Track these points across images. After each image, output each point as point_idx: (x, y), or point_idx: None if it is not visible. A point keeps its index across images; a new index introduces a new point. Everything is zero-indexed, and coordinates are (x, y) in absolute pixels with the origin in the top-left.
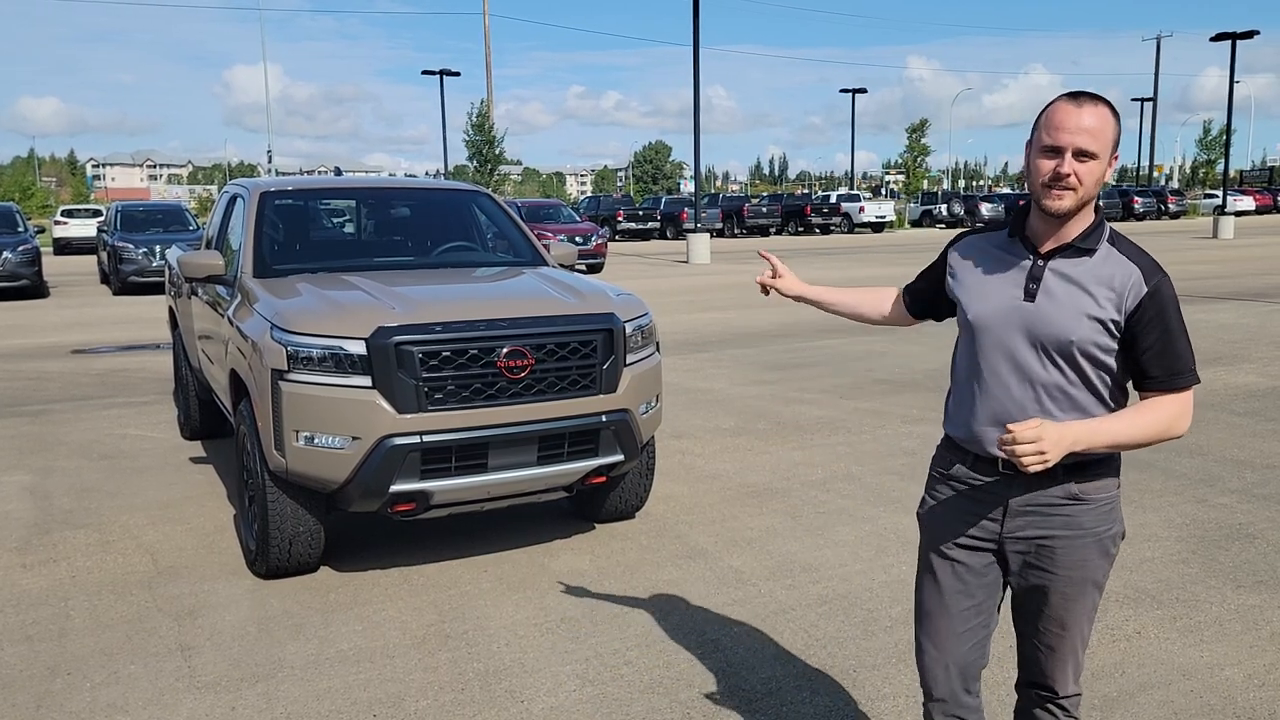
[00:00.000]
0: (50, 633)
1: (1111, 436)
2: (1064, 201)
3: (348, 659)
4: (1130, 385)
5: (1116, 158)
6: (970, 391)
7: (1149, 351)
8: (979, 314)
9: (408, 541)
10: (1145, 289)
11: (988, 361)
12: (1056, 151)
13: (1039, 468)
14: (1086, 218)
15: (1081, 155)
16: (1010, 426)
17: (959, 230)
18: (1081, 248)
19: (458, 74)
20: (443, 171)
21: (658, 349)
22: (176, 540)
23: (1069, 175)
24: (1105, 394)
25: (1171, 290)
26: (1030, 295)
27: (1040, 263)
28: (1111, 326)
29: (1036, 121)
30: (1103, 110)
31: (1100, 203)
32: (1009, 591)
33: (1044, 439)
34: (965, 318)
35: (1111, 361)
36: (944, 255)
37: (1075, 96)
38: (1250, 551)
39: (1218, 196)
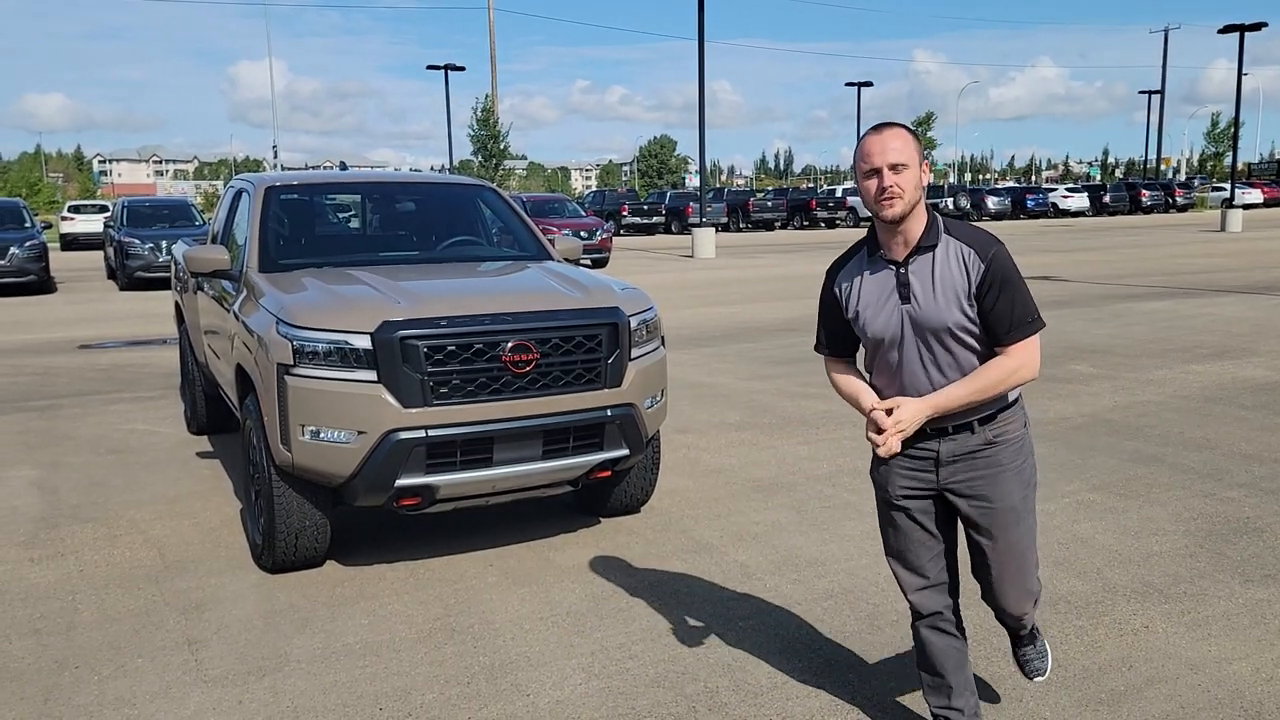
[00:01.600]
0: (58, 626)
1: (960, 399)
2: (895, 208)
3: (354, 652)
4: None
5: (927, 165)
6: (888, 379)
7: (995, 312)
8: (878, 328)
9: (413, 536)
10: (983, 262)
11: (894, 355)
12: (875, 172)
13: (897, 440)
14: (921, 219)
15: (895, 167)
16: (875, 416)
17: (829, 265)
18: (926, 246)
19: (463, 69)
20: (448, 167)
21: (663, 343)
22: (183, 534)
23: (891, 185)
24: (985, 353)
25: (1007, 256)
26: (905, 298)
27: (902, 270)
28: (971, 300)
29: (855, 155)
30: (901, 131)
31: (929, 202)
32: (960, 530)
33: (901, 420)
34: (867, 334)
35: (979, 329)
36: (830, 291)
37: (877, 128)
38: (1258, 545)
39: (1225, 189)
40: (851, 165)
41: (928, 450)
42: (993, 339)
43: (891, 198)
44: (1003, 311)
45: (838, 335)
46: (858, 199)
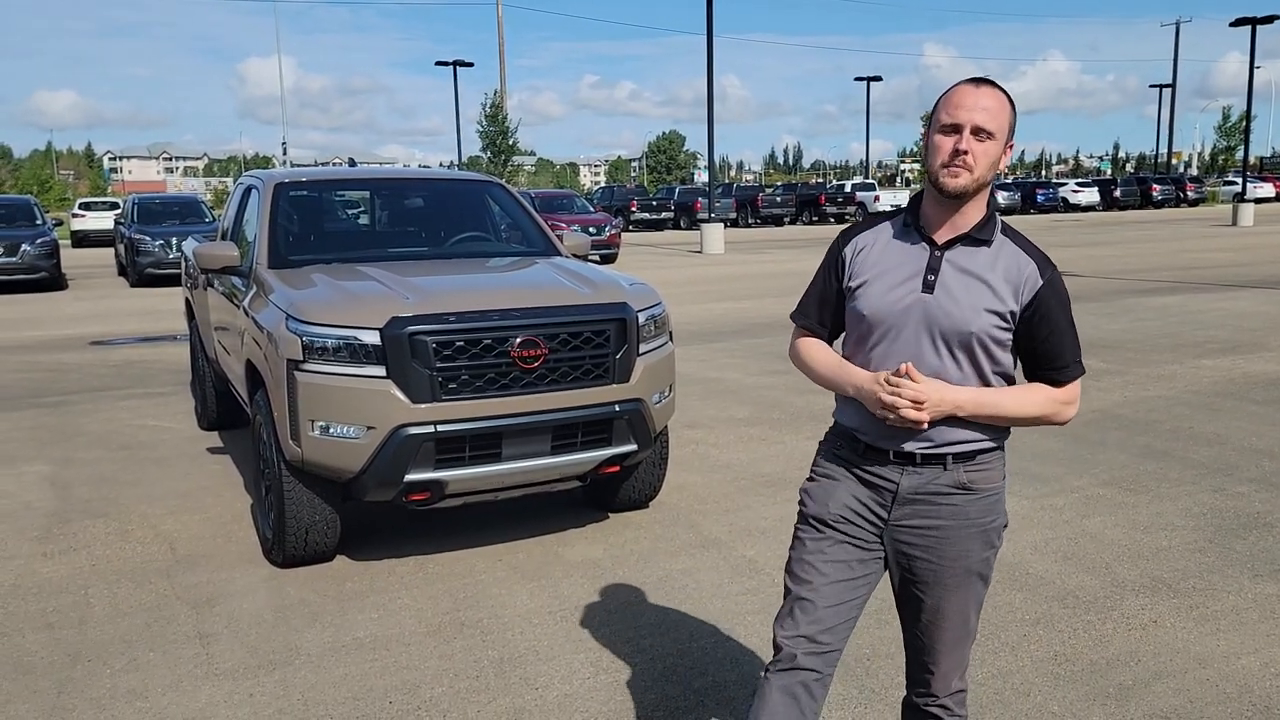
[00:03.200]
0: (71, 620)
1: (996, 406)
2: (959, 179)
3: (364, 646)
4: (1020, 374)
5: (1011, 146)
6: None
7: (1041, 342)
8: (877, 308)
9: (422, 530)
10: (1040, 281)
11: (884, 352)
12: (955, 129)
13: (914, 417)
14: (980, 207)
15: (979, 133)
16: (887, 378)
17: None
18: (978, 239)
19: (471, 65)
20: (456, 163)
21: (671, 339)
22: (194, 529)
23: (967, 152)
24: (994, 383)
25: (1063, 284)
26: (929, 287)
27: (938, 253)
28: (1008, 318)
29: (936, 104)
30: (1001, 95)
31: (997, 198)
32: (891, 585)
33: (926, 395)
34: (860, 310)
35: (1004, 353)
36: (836, 251)
37: (975, 80)
38: (1268, 540)
39: (1237, 183)
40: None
41: (886, 480)
42: (1040, 371)
43: (963, 167)
44: (1057, 344)
45: (823, 303)
46: (866, 195)
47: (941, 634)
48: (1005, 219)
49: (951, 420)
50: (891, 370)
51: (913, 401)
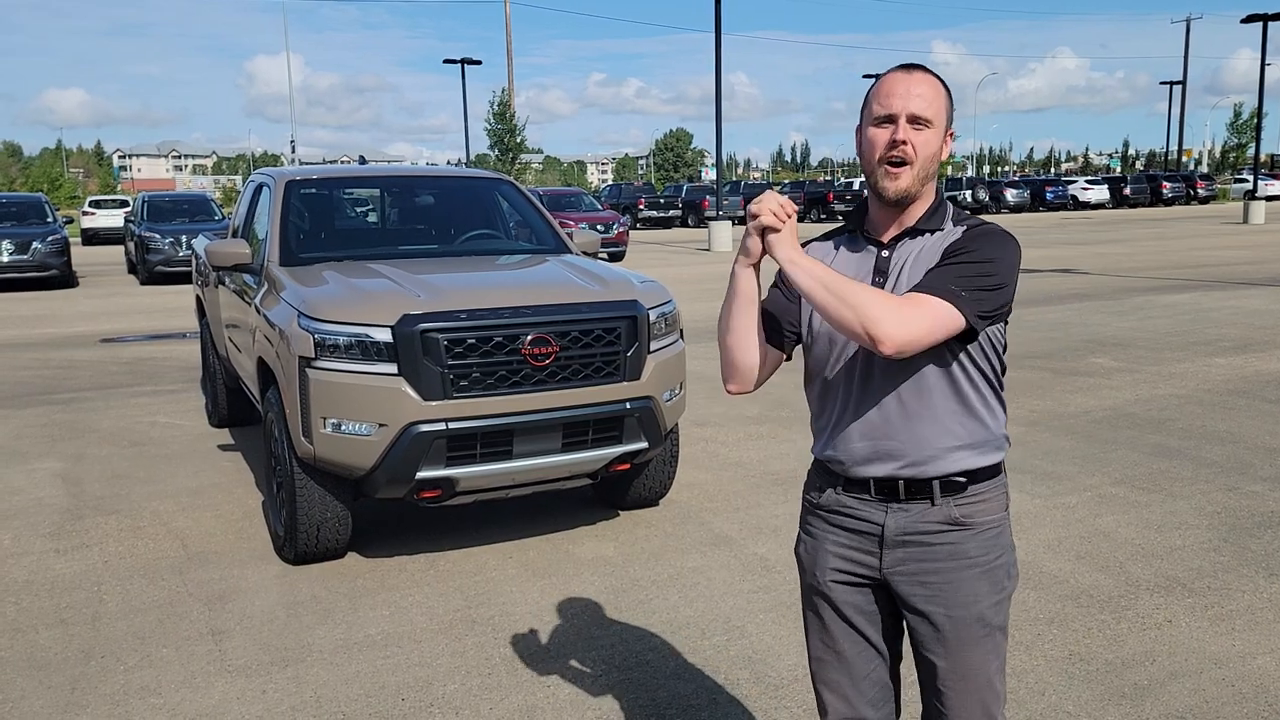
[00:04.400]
0: (84, 617)
1: (813, 274)
2: (901, 180)
3: (376, 643)
4: (1004, 376)
5: (952, 135)
6: (832, 407)
7: (935, 268)
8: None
9: (433, 528)
10: (958, 232)
11: (845, 370)
12: (889, 120)
13: (763, 218)
14: (927, 199)
15: (916, 122)
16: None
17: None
18: (923, 229)
19: (479, 63)
20: (464, 160)
21: (681, 336)
22: (206, 526)
23: (904, 143)
24: (984, 385)
25: (998, 237)
26: (877, 288)
27: (884, 253)
28: None
29: (866, 98)
30: (935, 80)
31: (947, 195)
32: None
33: (785, 227)
34: (812, 327)
35: (974, 345)
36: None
37: (906, 67)
38: None
39: (1248, 181)
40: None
41: (869, 524)
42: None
43: (901, 162)
44: (940, 269)
45: (772, 319)
46: None
47: (964, 700)
48: (1012, 216)
49: (917, 422)
50: (839, 418)
51: (771, 212)
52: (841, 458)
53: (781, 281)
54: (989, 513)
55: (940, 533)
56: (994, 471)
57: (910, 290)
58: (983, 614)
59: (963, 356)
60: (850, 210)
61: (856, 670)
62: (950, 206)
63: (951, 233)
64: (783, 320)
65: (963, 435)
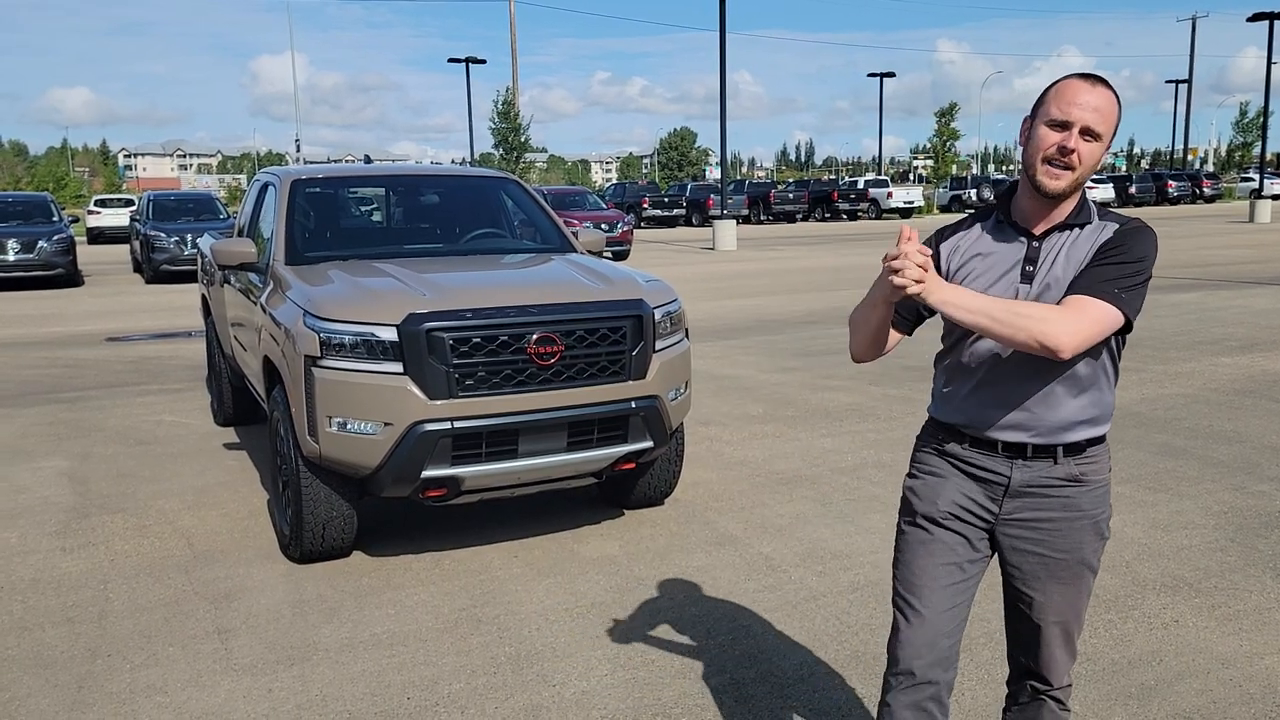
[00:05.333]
0: (90, 615)
1: (975, 309)
2: (1061, 181)
3: (381, 642)
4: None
5: (1108, 148)
6: (967, 377)
7: (1089, 267)
8: None
9: (439, 527)
10: (1111, 230)
11: (988, 347)
12: (1065, 126)
13: (906, 284)
14: (1075, 199)
15: (1087, 134)
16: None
17: (941, 226)
18: (1074, 224)
19: (483, 62)
20: (468, 159)
21: (686, 335)
22: (212, 525)
23: (1074, 151)
24: (1109, 365)
25: (1148, 236)
26: (1027, 278)
27: (1035, 244)
28: None
29: (1044, 95)
30: (1113, 96)
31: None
32: (1002, 579)
33: (927, 277)
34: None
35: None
36: (931, 252)
37: (1087, 77)
38: None
39: (1254, 180)
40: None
41: (997, 475)
42: (1069, 289)
43: (1065, 169)
44: (1093, 271)
45: (902, 305)
46: (880, 191)
47: (1056, 626)
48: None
49: (1052, 401)
50: (972, 391)
51: (911, 249)
52: (973, 423)
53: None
54: (1100, 472)
55: (1059, 487)
56: (1103, 438)
57: (1070, 294)
58: (1085, 558)
59: (1100, 354)
60: (998, 195)
61: (940, 603)
62: (1093, 205)
63: (1100, 228)
64: (907, 308)
65: (1090, 411)
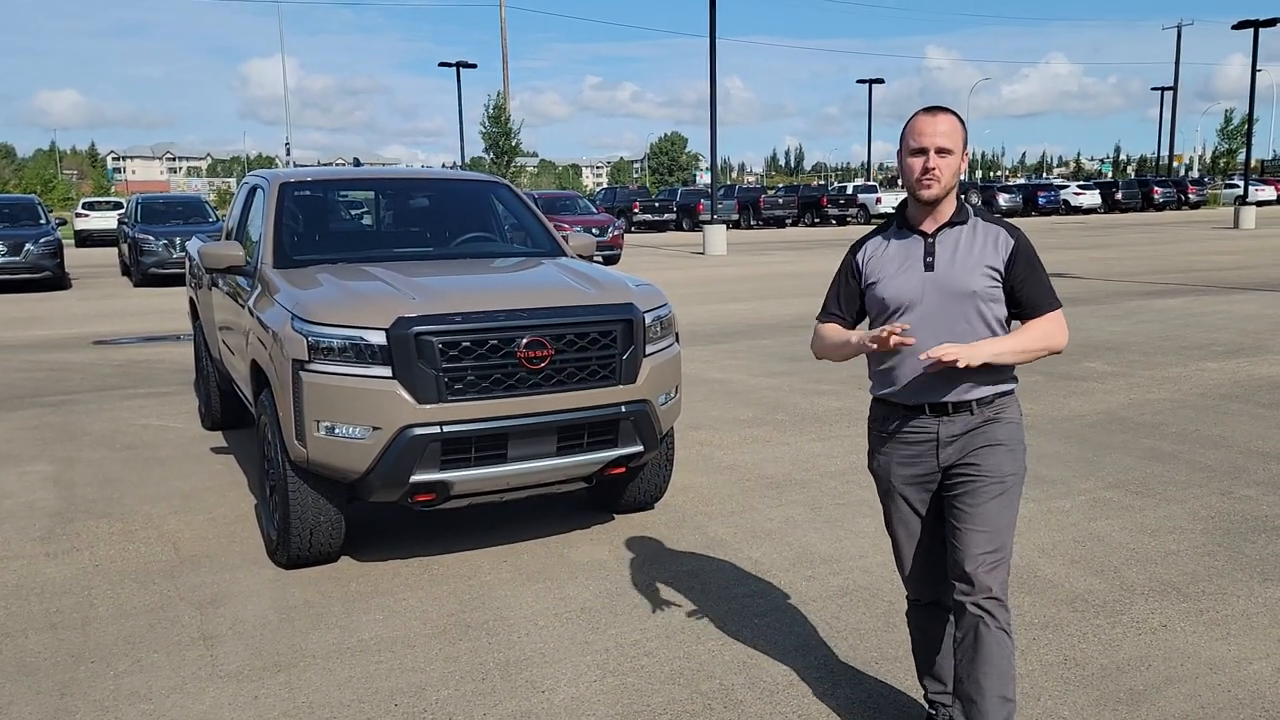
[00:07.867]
0: (74, 621)
1: (1011, 350)
2: (932, 190)
3: (369, 648)
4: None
5: (967, 155)
6: (891, 356)
7: (1026, 285)
8: (894, 289)
9: (428, 532)
10: (1013, 241)
11: (907, 319)
12: (922, 151)
13: (966, 362)
14: (952, 203)
15: (941, 152)
16: (927, 354)
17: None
18: (956, 222)
19: (474, 66)
20: (459, 164)
21: (677, 340)
22: (198, 530)
23: (934, 169)
24: (998, 332)
25: (1029, 241)
26: (929, 266)
27: (930, 240)
28: (997, 273)
29: (904, 131)
30: (952, 117)
31: (962, 195)
32: (946, 512)
33: (958, 355)
34: (881, 296)
35: (1000, 306)
36: (850, 259)
37: (931, 110)
38: (1277, 544)
39: (1239, 186)
40: (898, 145)
41: (926, 433)
42: (1025, 310)
43: (932, 180)
44: (1034, 286)
45: (846, 300)
46: (868, 196)
47: (982, 535)
48: (1003, 217)
49: (970, 374)
50: (897, 356)
51: (951, 352)
52: (901, 392)
53: (844, 294)
54: (1010, 415)
55: (979, 427)
56: (1010, 390)
57: (1035, 311)
58: (1004, 476)
59: (990, 314)
60: (892, 212)
61: (921, 548)
62: (968, 207)
63: (989, 230)
64: (852, 313)
65: (990, 377)
